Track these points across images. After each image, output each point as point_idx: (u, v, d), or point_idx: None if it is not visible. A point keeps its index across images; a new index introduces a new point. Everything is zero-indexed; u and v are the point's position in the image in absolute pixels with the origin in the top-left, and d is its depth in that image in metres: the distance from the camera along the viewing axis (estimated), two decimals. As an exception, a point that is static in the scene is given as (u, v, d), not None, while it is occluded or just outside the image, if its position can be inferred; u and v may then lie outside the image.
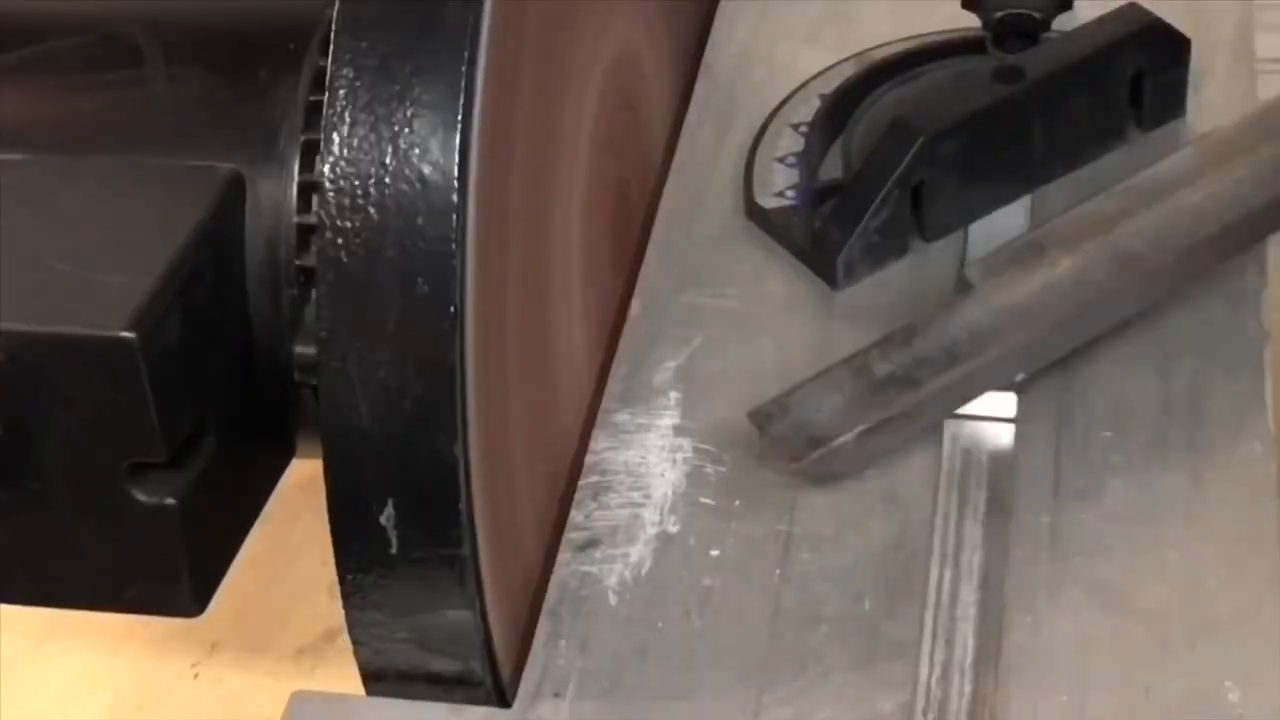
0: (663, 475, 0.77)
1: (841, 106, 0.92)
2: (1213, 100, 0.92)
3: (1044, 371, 0.80)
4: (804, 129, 0.92)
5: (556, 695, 0.70)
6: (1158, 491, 0.75)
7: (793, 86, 0.94)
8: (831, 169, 0.90)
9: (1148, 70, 0.89)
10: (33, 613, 1.06)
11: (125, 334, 0.64)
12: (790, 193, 0.89)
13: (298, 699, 0.69)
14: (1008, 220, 0.87)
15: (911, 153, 0.83)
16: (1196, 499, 0.75)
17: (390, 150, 0.63)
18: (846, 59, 0.95)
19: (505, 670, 0.70)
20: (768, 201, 0.88)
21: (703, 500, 0.76)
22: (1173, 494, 0.75)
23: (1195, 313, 0.82)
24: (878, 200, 0.84)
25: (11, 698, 1.15)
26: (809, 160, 0.90)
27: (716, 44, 1.00)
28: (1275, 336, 0.82)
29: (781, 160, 0.90)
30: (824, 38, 0.99)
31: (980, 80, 0.86)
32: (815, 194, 0.88)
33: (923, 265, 0.86)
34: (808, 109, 0.93)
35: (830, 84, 0.94)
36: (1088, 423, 0.78)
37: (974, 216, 0.87)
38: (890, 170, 0.84)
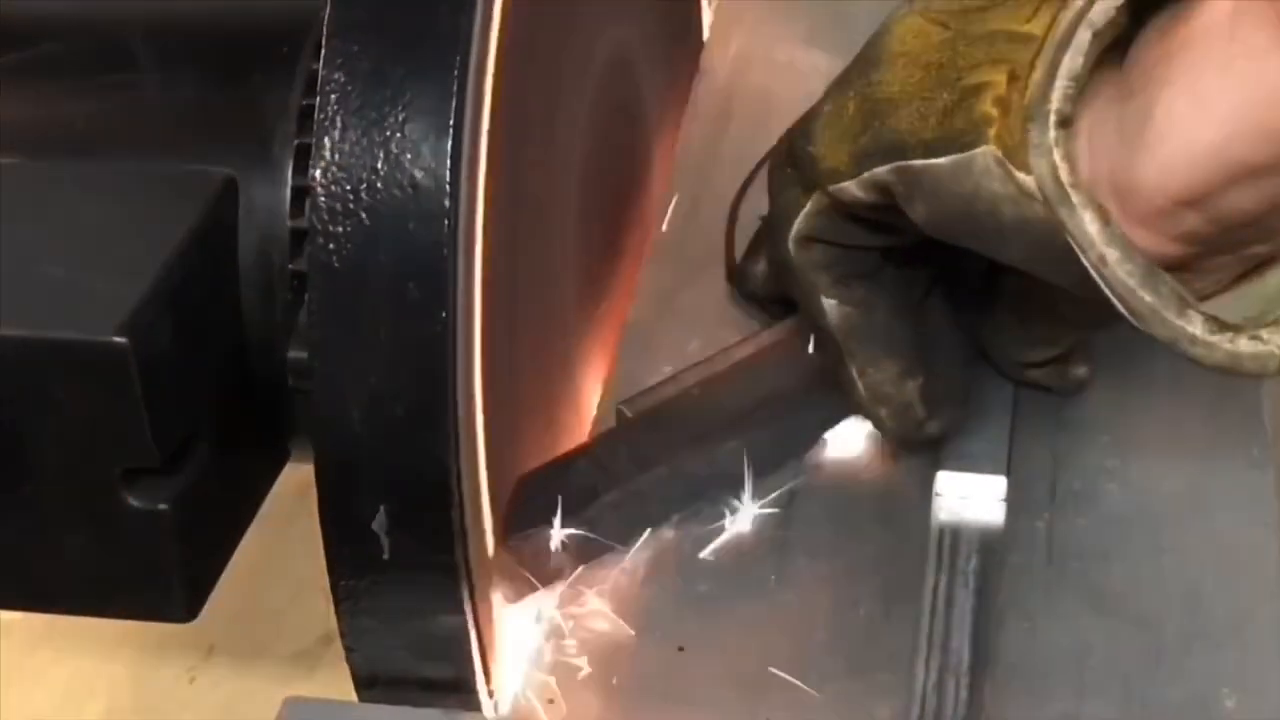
0: (659, 479, 0.77)
1: None
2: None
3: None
4: None
5: (550, 702, 0.69)
6: (1154, 497, 0.75)
7: (792, 87, 0.94)
8: None
9: None
10: (27, 618, 1.06)
11: (118, 339, 0.64)
12: None
13: (290, 704, 0.69)
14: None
15: None
16: (1193, 504, 0.74)
17: (382, 155, 0.62)
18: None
19: (498, 676, 0.70)
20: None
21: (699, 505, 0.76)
22: (1169, 499, 0.75)
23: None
24: None
25: (7, 703, 1.15)
26: None
27: (715, 45, 1.00)
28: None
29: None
30: (823, 39, 0.98)
31: None
32: None
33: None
34: None
35: None
36: (1084, 427, 0.78)
37: None
38: None
